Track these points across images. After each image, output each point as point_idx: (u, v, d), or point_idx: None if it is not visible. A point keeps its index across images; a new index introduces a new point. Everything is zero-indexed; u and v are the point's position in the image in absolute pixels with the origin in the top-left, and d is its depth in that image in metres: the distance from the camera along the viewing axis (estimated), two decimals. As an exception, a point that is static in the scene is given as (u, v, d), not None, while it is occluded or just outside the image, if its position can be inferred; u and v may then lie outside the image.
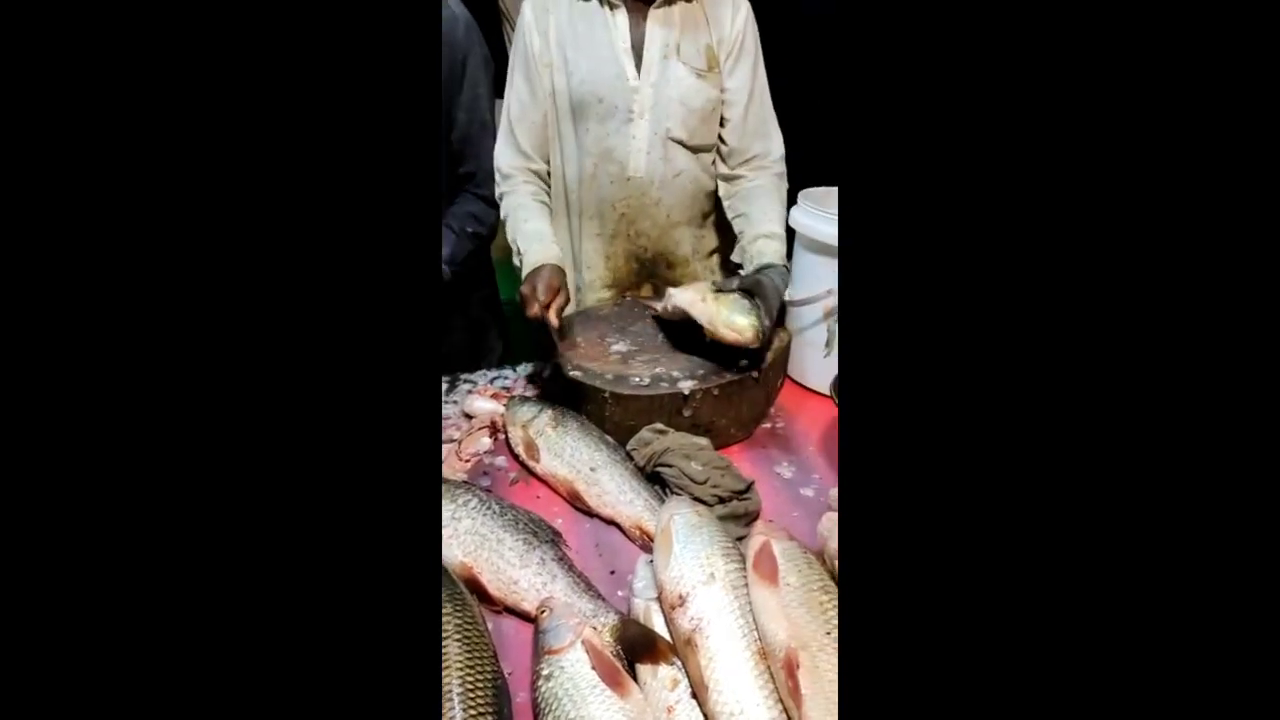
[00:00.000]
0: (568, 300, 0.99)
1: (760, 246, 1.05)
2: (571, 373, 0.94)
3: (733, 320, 0.89)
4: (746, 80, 1.13)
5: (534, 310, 0.93)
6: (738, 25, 1.11)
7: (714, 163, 1.18)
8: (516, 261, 1.07)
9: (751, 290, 0.95)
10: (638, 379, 0.92)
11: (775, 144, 1.18)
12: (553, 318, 0.94)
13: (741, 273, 1.08)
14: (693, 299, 0.95)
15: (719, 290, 0.96)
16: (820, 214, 1.02)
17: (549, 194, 1.16)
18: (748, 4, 1.13)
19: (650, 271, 1.23)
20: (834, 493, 0.78)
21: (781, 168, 1.19)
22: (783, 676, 0.52)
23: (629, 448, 0.87)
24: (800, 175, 1.22)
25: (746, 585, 0.60)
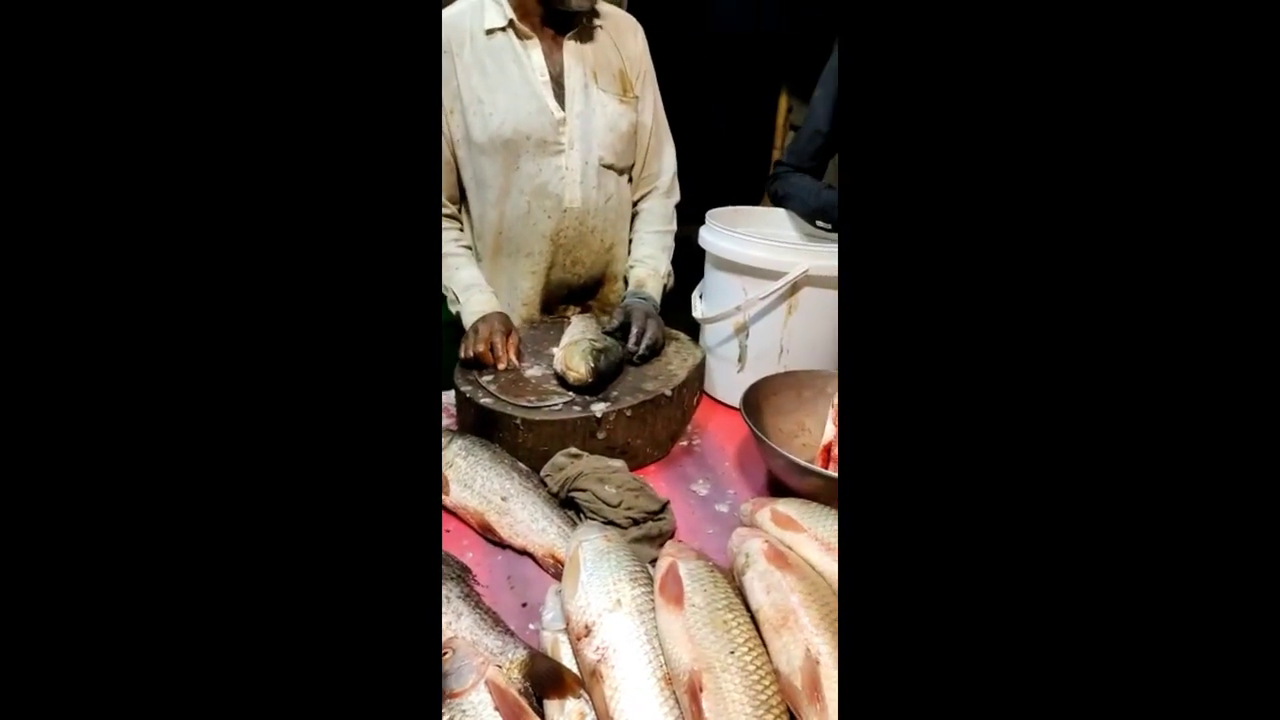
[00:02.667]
0: (520, 339, 1.04)
1: (638, 273, 1.18)
2: (483, 400, 0.91)
3: (571, 361, 0.94)
4: (651, 103, 1.17)
5: (503, 364, 0.99)
6: (640, 49, 1.15)
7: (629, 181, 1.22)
8: (455, 309, 1.11)
9: (627, 326, 1.05)
10: (550, 404, 0.90)
11: (669, 160, 1.25)
12: (515, 360, 1.00)
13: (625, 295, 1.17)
14: (565, 340, 1.01)
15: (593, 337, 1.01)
16: (728, 233, 1.04)
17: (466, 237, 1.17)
18: (640, 27, 1.16)
19: (580, 294, 1.23)
20: (745, 507, 0.79)
21: (671, 183, 1.26)
22: (687, 701, 0.52)
23: (543, 474, 0.86)
24: (708, 195, 1.26)
25: (655, 609, 0.60)
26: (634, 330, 1.02)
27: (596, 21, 1.10)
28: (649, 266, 1.18)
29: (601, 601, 0.59)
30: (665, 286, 1.19)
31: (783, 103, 2.91)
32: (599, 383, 0.92)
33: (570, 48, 1.08)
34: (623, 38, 1.13)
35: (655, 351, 1.04)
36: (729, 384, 1.09)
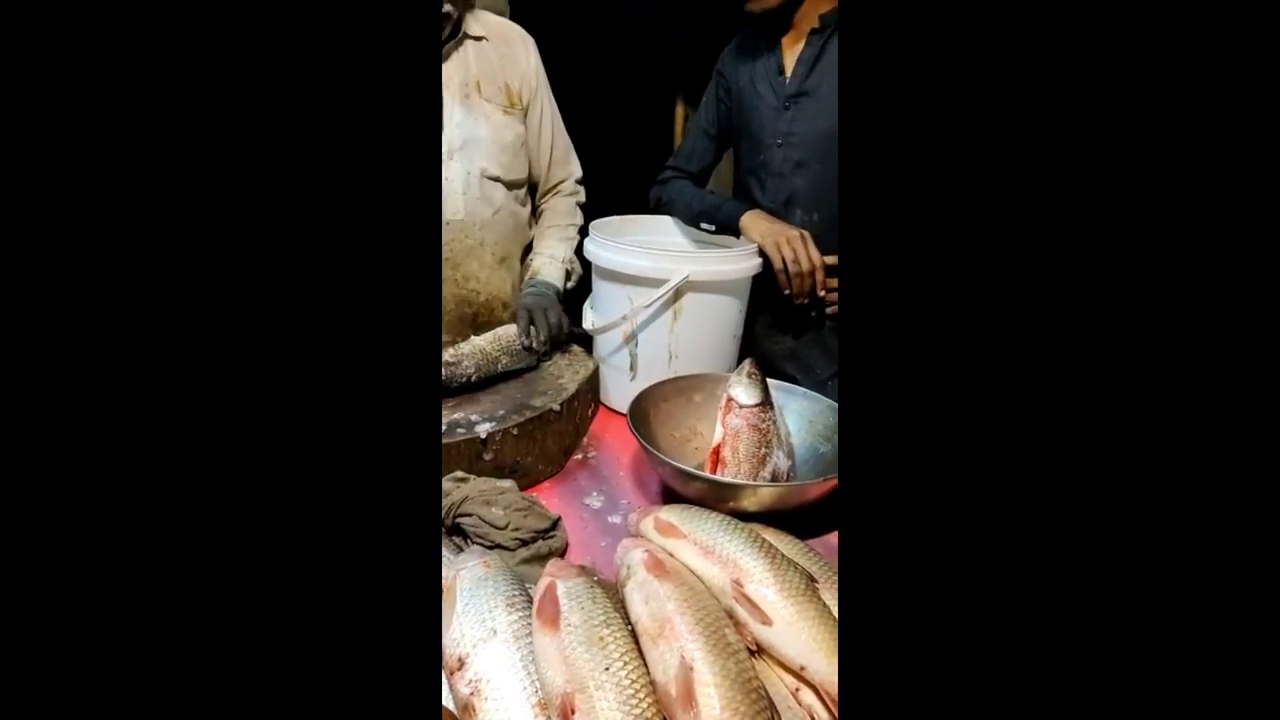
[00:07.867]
0: None
1: (534, 265, 1.18)
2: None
3: None
4: (546, 115, 1.18)
5: None
6: (531, 62, 1.15)
7: (528, 194, 1.22)
8: None
9: (530, 316, 1.04)
10: (432, 427, 0.87)
11: (575, 167, 1.27)
12: None
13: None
14: None
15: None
16: (611, 244, 1.05)
17: None
18: (533, 40, 1.17)
19: (484, 320, 1.19)
20: (633, 517, 0.79)
21: (576, 187, 1.27)
22: (560, 726, 0.50)
23: (428, 501, 0.82)
24: (614, 203, 1.27)
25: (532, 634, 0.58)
26: (531, 329, 1.03)
27: (479, 32, 1.10)
28: (544, 256, 1.19)
29: (476, 632, 0.57)
30: (569, 272, 1.20)
31: (679, 111, 2.97)
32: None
33: (450, 59, 1.06)
34: (511, 50, 1.14)
35: (558, 341, 1.06)
36: (623, 393, 1.09)
